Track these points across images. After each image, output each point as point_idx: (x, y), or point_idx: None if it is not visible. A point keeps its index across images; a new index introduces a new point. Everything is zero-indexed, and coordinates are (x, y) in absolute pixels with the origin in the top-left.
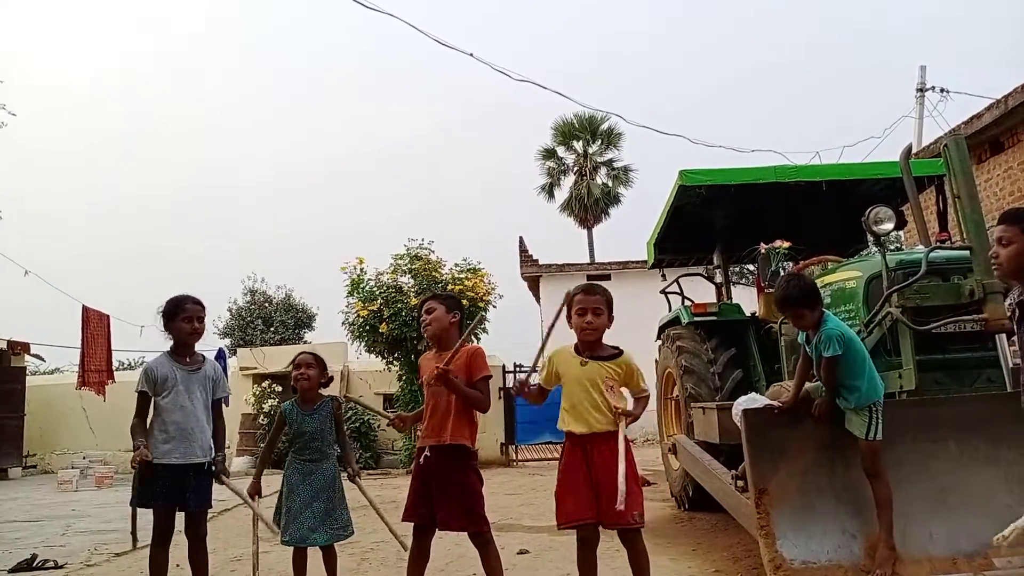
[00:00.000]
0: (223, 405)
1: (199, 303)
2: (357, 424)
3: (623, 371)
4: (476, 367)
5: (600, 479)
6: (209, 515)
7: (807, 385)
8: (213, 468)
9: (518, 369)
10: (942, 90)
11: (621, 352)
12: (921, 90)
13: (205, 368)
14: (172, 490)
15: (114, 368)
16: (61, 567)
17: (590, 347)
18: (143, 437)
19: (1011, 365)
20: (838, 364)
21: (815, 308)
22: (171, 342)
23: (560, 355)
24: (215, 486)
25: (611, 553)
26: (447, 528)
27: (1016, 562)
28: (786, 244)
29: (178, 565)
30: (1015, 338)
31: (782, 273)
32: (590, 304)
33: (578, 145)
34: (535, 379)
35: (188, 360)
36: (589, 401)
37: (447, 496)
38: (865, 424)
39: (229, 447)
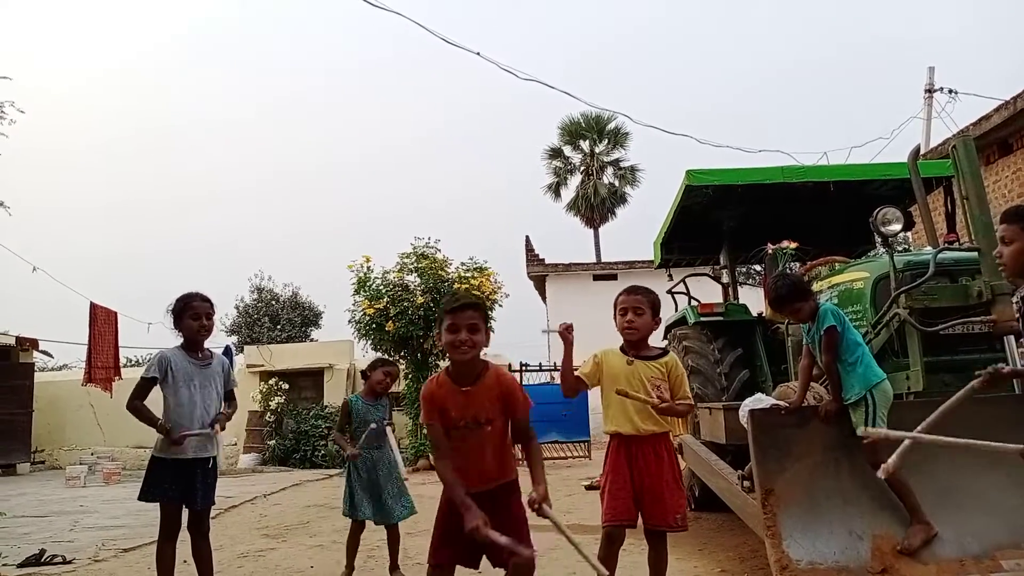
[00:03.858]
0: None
1: (207, 300)
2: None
3: (668, 371)
4: (523, 404)
5: (643, 482)
6: (215, 512)
7: (814, 386)
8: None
9: (525, 368)
10: (950, 91)
11: (667, 352)
12: (929, 91)
13: (214, 364)
14: (181, 486)
15: (121, 365)
16: (69, 562)
17: (635, 347)
18: (157, 417)
19: (1020, 367)
20: (837, 342)
21: (808, 299)
22: (181, 340)
23: (608, 355)
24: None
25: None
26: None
27: None
28: (793, 244)
29: (185, 561)
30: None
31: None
32: (631, 303)
33: (585, 145)
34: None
35: (200, 356)
36: (635, 402)
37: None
38: (863, 416)
39: (235, 443)
